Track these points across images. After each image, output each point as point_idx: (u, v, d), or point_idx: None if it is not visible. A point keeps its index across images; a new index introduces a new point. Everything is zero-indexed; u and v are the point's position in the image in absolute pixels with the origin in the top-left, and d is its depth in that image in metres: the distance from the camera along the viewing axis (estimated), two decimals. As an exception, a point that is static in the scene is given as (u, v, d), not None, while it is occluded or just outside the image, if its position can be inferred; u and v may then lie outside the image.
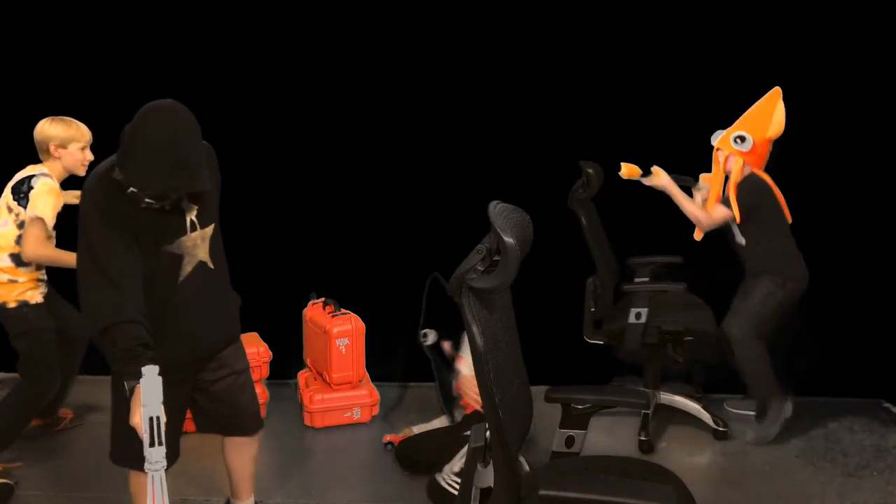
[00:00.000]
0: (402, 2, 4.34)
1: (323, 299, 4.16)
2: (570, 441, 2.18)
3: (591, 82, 4.29)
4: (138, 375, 2.05)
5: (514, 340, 1.98)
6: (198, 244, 2.31)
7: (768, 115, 3.56)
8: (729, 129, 3.64)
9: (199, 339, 2.39)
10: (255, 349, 3.91)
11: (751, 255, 3.68)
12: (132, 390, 2.06)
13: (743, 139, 3.56)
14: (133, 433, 2.08)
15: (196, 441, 3.67)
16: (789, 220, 3.65)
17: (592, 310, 3.84)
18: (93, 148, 3.38)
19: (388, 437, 3.67)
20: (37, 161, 3.34)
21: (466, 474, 1.89)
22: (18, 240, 3.24)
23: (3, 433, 3.35)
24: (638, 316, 3.64)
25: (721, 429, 3.72)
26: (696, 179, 3.88)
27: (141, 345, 2.11)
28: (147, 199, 2.17)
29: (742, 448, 3.64)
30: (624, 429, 3.70)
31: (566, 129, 4.24)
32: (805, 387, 4.17)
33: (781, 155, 3.69)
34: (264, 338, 4.02)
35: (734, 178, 3.60)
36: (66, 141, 3.29)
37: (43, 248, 3.18)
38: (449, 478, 3.08)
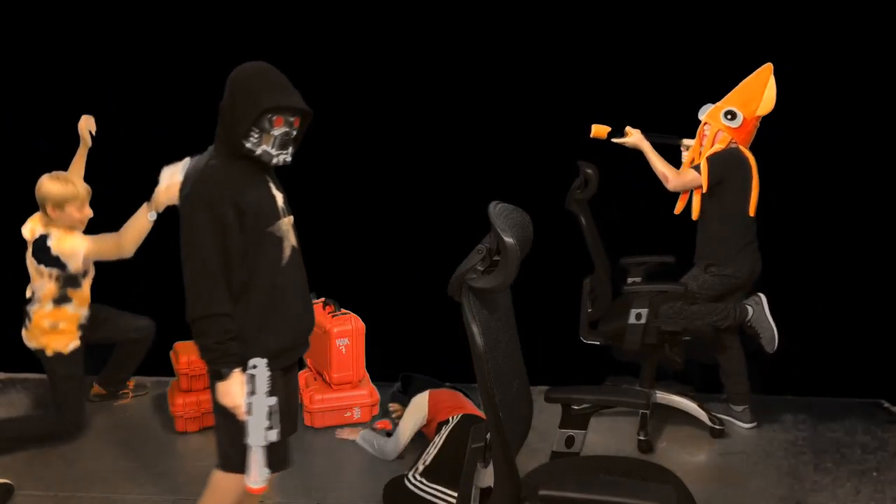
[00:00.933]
0: (402, 2, 4.34)
1: (323, 299, 4.15)
2: (570, 441, 2.18)
3: (590, 82, 4.30)
4: (234, 364, 2.24)
5: (514, 340, 1.98)
6: (289, 229, 2.43)
7: (759, 93, 3.52)
8: (718, 103, 3.61)
9: (301, 322, 2.46)
10: (256, 349, 3.91)
11: (702, 233, 3.67)
12: (228, 375, 2.23)
13: (733, 115, 3.53)
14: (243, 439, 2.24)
15: (197, 441, 3.68)
16: (752, 212, 3.56)
17: (589, 310, 3.84)
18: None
19: (379, 424, 3.78)
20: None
21: (466, 474, 1.90)
22: (59, 295, 3.41)
23: (3, 439, 3.46)
24: (638, 317, 3.63)
25: (718, 427, 3.72)
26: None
27: (231, 339, 2.25)
28: (275, 132, 2.30)
29: (742, 448, 3.65)
30: (624, 429, 3.70)
31: (565, 129, 4.23)
32: (805, 387, 4.19)
33: (780, 153, 3.68)
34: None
35: (714, 150, 3.55)
36: (61, 201, 3.31)
37: (123, 237, 3.19)
38: (415, 479, 3.00)
